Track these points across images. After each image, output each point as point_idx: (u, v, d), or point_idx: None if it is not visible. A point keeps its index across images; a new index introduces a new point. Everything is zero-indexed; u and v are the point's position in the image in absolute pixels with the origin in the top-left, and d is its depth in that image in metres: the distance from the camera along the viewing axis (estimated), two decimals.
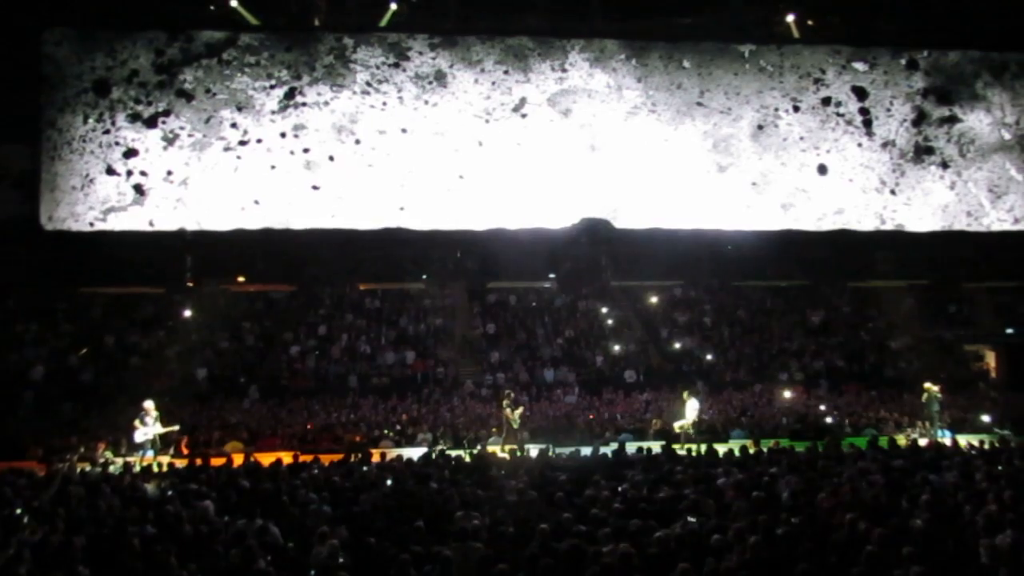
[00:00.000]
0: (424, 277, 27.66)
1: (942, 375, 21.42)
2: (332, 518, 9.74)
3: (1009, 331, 26.07)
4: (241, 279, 26.60)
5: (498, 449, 16.84)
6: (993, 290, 28.09)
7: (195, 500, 10.55)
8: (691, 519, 9.49)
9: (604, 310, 26.98)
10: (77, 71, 21.50)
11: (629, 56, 23.15)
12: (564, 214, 22.92)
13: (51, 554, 8.30)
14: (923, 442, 16.64)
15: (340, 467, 13.40)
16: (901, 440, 17.04)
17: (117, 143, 21.60)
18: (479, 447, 16.71)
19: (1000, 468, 12.32)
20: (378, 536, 8.79)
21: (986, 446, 14.96)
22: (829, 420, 20.41)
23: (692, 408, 18.01)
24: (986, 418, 20.27)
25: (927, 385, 18.81)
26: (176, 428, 16.50)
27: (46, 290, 24.28)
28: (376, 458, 14.43)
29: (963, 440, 16.62)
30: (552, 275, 28.14)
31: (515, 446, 16.91)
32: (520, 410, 18.23)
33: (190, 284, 25.55)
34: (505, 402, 18.27)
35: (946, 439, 17.30)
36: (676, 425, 18.35)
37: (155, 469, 13.78)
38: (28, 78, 21.37)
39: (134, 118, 21.61)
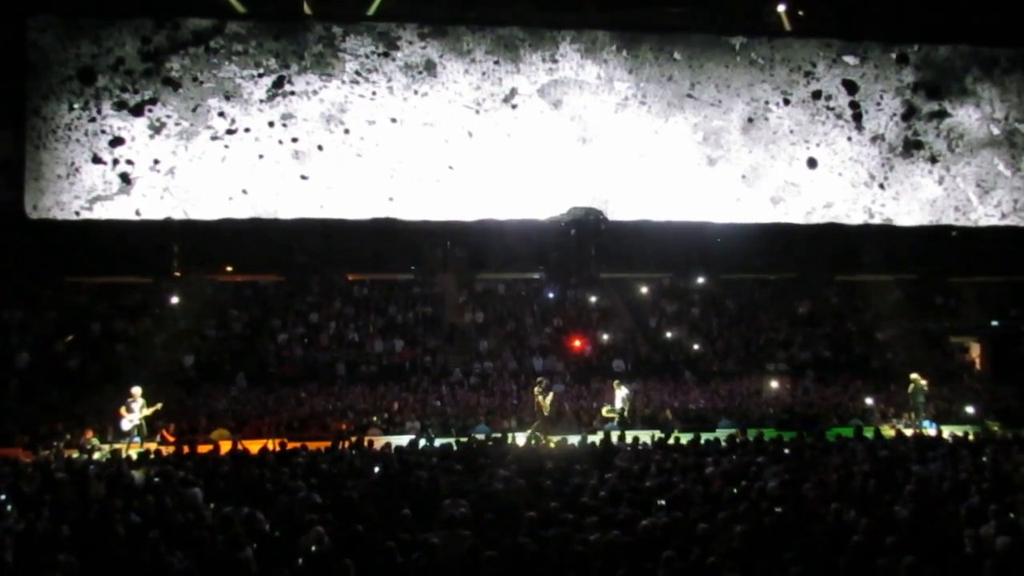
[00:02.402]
0: (413, 268, 27.61)
1: (928, 366, 21.54)
2: (319, 505, 9.72)
3: (994, 323, 26.25)
4: (229, 269, 26.48)
5: (530, 436, 16.80)
6: (979, 283, 28.26)
7: (182, 487, 10.51)
8: (661, 502, 9.55)
9: (593, 299, 27.03)
10: (62, 58, 21.27)
11: (620, 47, 23.09)
12: (554, 206, 22.90)
13: (36, 542, 8.26)
14: (908, 432, 16.75)
15: (328, 454, 13.39)
16: (887, 431, 17.13)
17: (103, 131, 21.40)
18: (469, 435, 16.72)
19: (984, 459, 12.43)
20: (365, 523, 8.78)
21: (970, 437, 15.08)
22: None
23: (620, 396, 18.11)
24: (970, 409, 20.43)
25: (914, 376, 18.93)
26: (159, 406, 16.39)
27: (31, 279, 24.10)
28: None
29: (947, 431, 16.74)
30: (541, 267, 28.16)
31: (548, 433, 16.86)
32: (552, 396, 18.31)
33: (177, 274, 25.41)
34: (536, 389, 18.39)
35: (931, 430, 17.43)
36: (604, 410, 18.42)
37: (144, 456, 13.72)
38: (12, 65, 21.15)
39: (120, 106, 21.41)
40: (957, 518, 9.06)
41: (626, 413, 18.30)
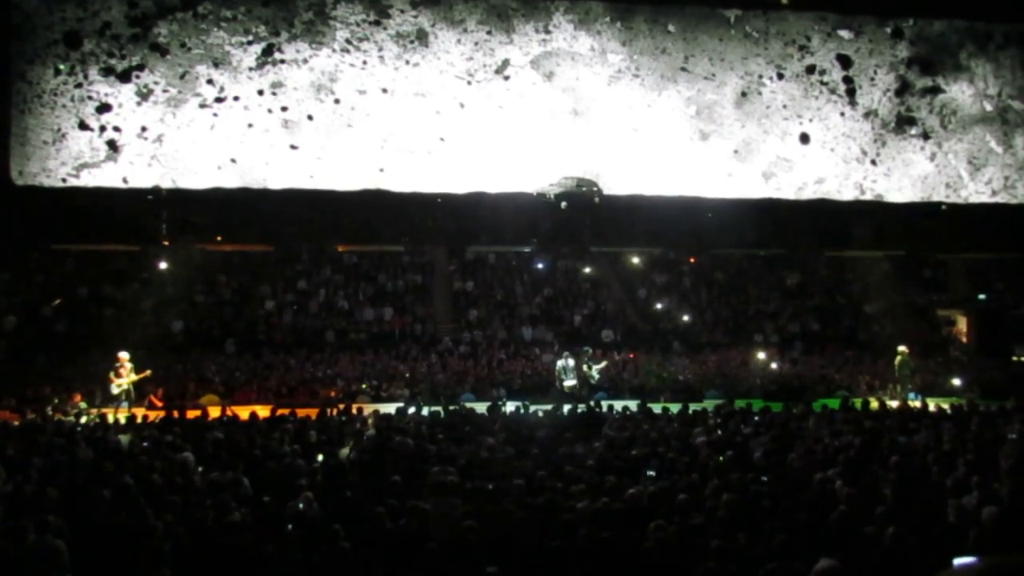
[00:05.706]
0: (404, 240, 27.51)
1: (915, 339, 21.68)
2: (308, 471, 9.75)
3: (981, 297, 26.40)
4: (218, 238, 26.30)
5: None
6: (967, 257, 28.36)
7: (171, 452, 10.52)
8: (650, 472, 9.62)
9: (586, 270, 27.08)
10: (47, 21, 20.94)
11: (614, 19, 22.90)
12: (546, 179, 22.82)
13: (24, 504, 8.26)
14: (893, 404, 16.89)
15: (316, 421, 13.42)
16: (873, 402, 17.26)
17: (90, 97, 21.13)
18: (458, 403, 16.76)
19: (968, 431, 12.54)
20: (354, 489, 8.81)
21: (949, 407, 15.23)
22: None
23: (567, 369, 18.35)
24: (956, 382, 20.59)
25: (901, 349, 19.07)
26: (148, 373, 16.43)
27: (17, 246, 23.89)
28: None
29: (932, 403, 16.88)
30: (533, 239, 28.08)
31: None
32: (604, 364, 18.37)
33: (165, 243, 25.23)
34: (583, 358, 18.38)
35: (916, 402, 17.57)
36: (567, 385, 18.50)
37: (131, 421, 13.73)
38: None
39: (107, 72, 21.13)
40: (941, 489, 9.15)
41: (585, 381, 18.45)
